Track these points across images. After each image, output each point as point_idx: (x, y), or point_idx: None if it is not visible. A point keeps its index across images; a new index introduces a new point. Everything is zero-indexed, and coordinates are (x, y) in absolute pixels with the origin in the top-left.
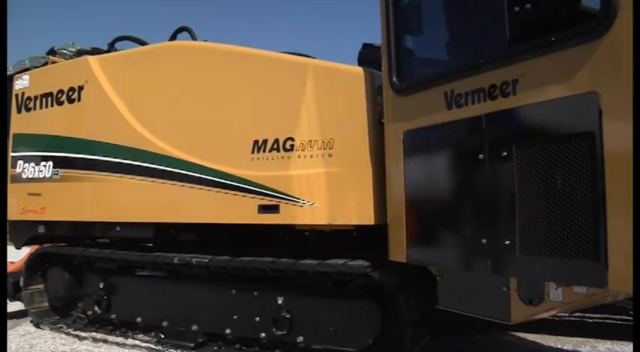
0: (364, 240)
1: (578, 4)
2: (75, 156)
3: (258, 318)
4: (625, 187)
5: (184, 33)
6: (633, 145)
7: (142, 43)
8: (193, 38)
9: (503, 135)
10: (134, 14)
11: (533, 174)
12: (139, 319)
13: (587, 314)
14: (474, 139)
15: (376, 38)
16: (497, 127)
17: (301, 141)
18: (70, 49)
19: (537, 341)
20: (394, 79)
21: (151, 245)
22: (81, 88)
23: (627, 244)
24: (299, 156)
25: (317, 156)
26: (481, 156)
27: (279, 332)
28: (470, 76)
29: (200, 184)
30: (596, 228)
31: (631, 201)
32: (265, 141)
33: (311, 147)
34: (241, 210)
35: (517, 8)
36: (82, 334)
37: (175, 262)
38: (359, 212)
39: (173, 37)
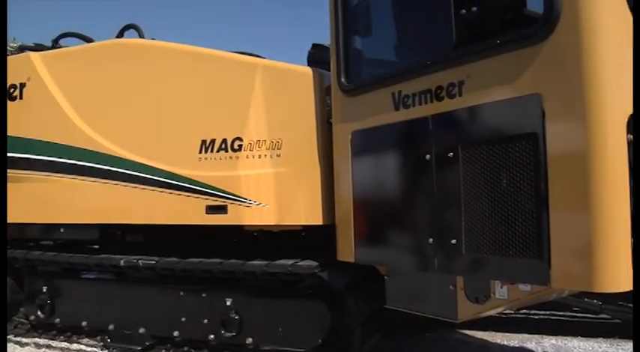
0: (314, 241)
1: (522, 8)
2: (16, 156)
3: (206, 320)
4: (567, 187)
5: (132, 30)
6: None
7: (88, 40)
8: (141, 36)
9: (449, 136)
10: (82, 9)
11: (479, 175)
12: (84, 323)
13: (532, 311)
14: (420, 140)
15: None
16: (443, 128)
17: (249, 141)
18: (12, 44)
19: (484, 338)
20: (342, 79)
21: (96, 247)
22: (23, 85)
23: (569, 243)
24: (247, 157)
25: (265, 156)
26: (428, 156)
27: (228, 334)
28: (417, 77)
29: (147, 185)
30: (539, 227)
31: (574, 200)
32: (213, 141)
33: (259, 148)
34: (189, 211)
35: (464, 11)
36: (24, 340)
37: (122, 264)
38: (307, 212)
39: (120, 35)
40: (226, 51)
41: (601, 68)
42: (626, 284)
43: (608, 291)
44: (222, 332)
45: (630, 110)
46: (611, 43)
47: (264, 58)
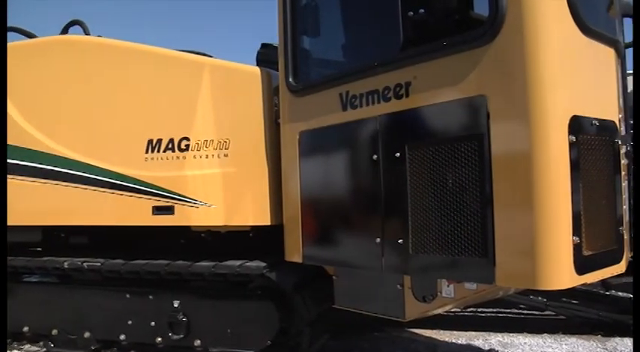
0: (263, 241)
1: (469, 10)
2: None
3: (153, 323)
4: (511, 187)
5: (76, 26)
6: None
7: (30, 36)
8: (86, 33)
9: (396, 137)
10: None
11: (425, 175)
12: (25, 328)
13: (479, 309)
14: (368, 140)
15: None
16: (390, 129)
17: (197, 141)
18: None
19: (433, 336)
20: (290, 79)
21: (39, 249)
22: None
23: (513, 242)
24: (194, 157)
25: (213, 156)
26: (375, 156)
27: (176, 337)
28: (364, 77)
29: (91, 185)
30: (484, 226)
31: (518, 200)
32: (160, 141)
33: (207, 147)
34: (135, 212)
35: (411, 13)
36: None
37: (66, 267)
38: (255, 212)
39: (64, 31)
40: (174, 49)
41: (544, 70)
42: (568, 282)
43: (551, 289)
44: (170, 334)
45: (573, 111)
46: (554, 46)
47: (212, 57)
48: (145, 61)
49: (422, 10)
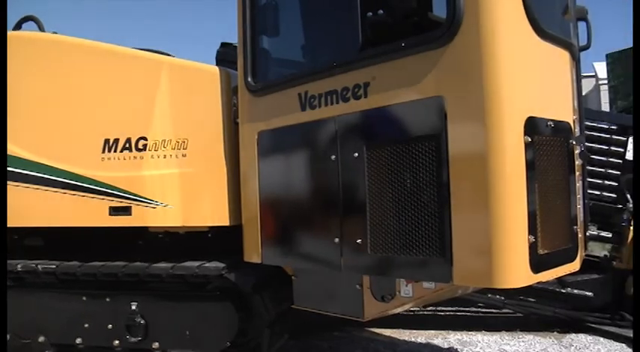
0: (222, 242)
1: (427, 12)
2: None
3: (110, 325)
4: (468, 187)
5: (30, 22)
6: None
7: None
8: (41, 29)
9: (354, 137)
10: None
11: (383, 175)
12: None
13: (439, 308)
14: (326, 141)
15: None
16: (349, 129)
17: (154, 140)
18: None
19: (392, 335)
20: (249, 79)
21: None
22: None
23: (470, 241)
24: (152, 157)
25: (171, 156)
26: (333, 157)
27: (134, 339)
28: (323, 78)
29: (46, 186)
30: (441, 226)
31: (474, 200)
32: (117, 141)
33: (164, 147)
34: (91, 213)
35: (370, 14)
36: None
37: (19, 269)
38: (213, 213)
39: (18, 27)
40: (133, 48)
41: (500, 72)
42: (524, 280)
43: (508, 287)
44: (128, 337)
45: (529, 113)
46: (510, 48)
47: (172, 55)
48: (102, 59)
49: (381, 11)
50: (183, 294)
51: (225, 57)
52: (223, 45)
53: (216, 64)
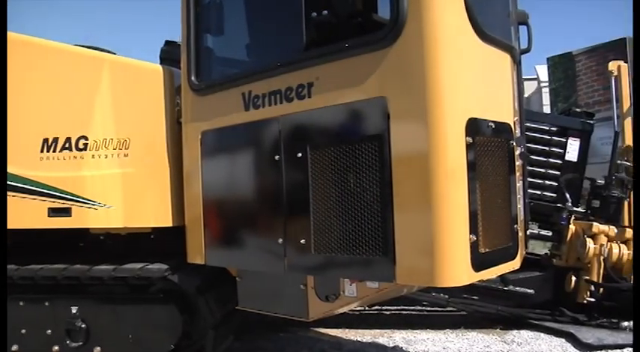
0: (165, 243)
1: (372, 13)
2: None
3: (50, 331)
4: (410, 187)
5: None
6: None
7: None
8: None
9: (298, 137)
10: None
11: (327, 175)
12: None
13: (384, 307)
14: (270, 140)
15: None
16: (292, 129)
17: (95, 140)
18: None
19: (338, 335)
20: (192, 78)
21: None
22: None
23: (413, 240)
24: (93, 156)
25: (112, 156)
26: (277, 157)
27: (75, 344)
28: (267, 77)
29: None
30: (384, 226)
31: (417, 199)
32: (56, 140)
33: (106, 147)
34: (29, 214)
35: (314, 14)
36: None
37: None
38: (156, 214)
39: None
40: (72, 44)
41: (442, 73)
42: (466, 278)
43: (450, 285)
44: (68, 342)
45: (470, 114)
46: (452, 50)
47: (114, 53)
48: (41, 56)
49: (325, 12)
50: (126, 297)
51: (169, 55)
52: (167, 43)
53: (160, 63)
